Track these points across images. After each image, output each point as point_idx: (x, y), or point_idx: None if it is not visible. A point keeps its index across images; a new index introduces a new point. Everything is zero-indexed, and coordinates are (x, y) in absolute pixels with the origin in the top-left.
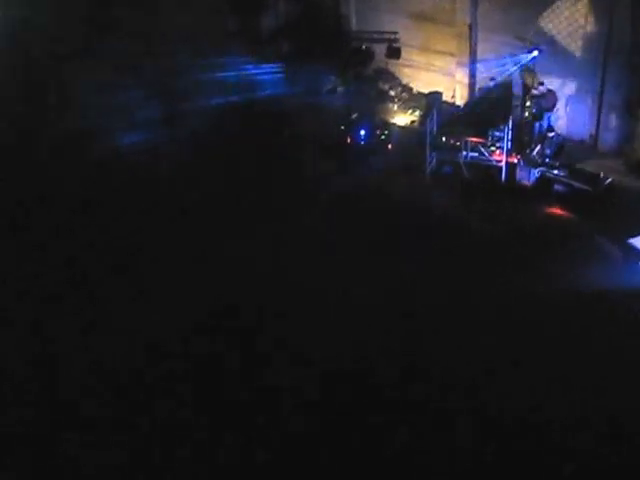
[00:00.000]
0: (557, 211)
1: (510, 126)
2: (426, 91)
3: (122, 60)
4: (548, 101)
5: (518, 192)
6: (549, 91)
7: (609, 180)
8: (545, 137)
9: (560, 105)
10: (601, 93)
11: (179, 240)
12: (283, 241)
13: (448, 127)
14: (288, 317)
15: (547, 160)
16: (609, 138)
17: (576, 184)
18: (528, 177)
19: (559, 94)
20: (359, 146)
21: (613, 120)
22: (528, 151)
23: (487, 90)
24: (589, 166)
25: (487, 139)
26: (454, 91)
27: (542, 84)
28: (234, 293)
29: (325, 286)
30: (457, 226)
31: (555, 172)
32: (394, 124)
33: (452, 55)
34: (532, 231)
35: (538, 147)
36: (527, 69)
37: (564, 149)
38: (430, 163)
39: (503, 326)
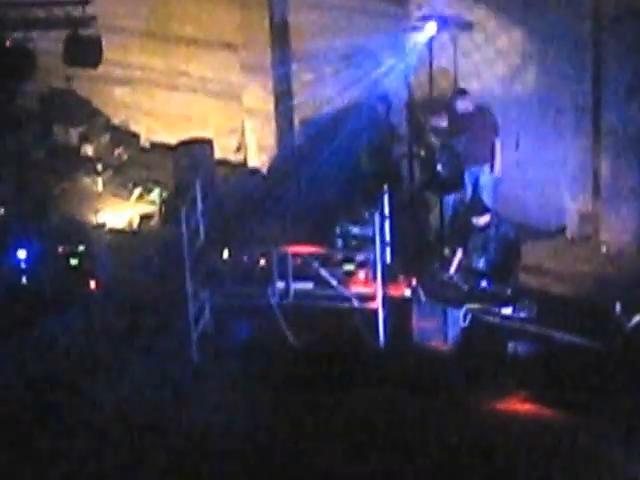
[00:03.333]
0: (522, 406)
1: (387, 210)
2: (174, 141)
3: None
4: (477, 138)
5: (424, 371)
6: (479, 112)
7: (636, 320)
8: (472, 228)
9: (508, 143)
10: (595, 113)
11: None
12: None
13: (240, 226)
14: None
15: (484, 284)
16: (624, 221)
17: (562, 336)
18: (443, 331)
19: (504, 119)
20: (17, 290)
21: (631, 176)
22: (436, 267)
23: (323, 127)
24: (584, 290)
25: (333, 245)
26: (241, 136)
27: (463, 93)
28: None
29: None
30: None
31: (507, 311)
32: (101, 228)
33: (232, 49)
34: (474, 467)
35: (459, 254)
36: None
37: (518, 253)
38: (198, 322)
39: None
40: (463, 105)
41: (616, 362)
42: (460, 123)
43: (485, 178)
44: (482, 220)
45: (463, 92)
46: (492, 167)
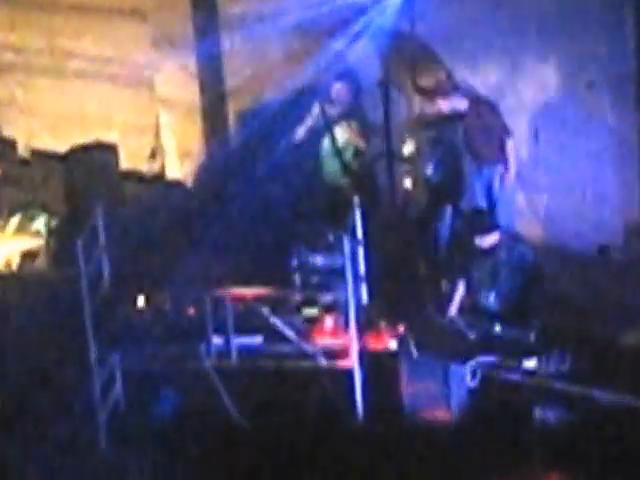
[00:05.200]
0: None
1: (361, 232)
2: (64, 148)
3: None
4: (483, 129)
5: (419, 452)
6: (476, 102)
7: None
8: (476, 251)
9: (519, 136)
10: None
11: None
12: None
13: (158, 262)
14: None
15: (498, 329)
16: None
17: (607, 396)
18: (444, 395)
19: (511, 100)
20: None
21: None
22: (430, 308)
23: (268, 121)
24: (635, 332)
25: (289, 284)
26: (156, 137)
27: (448, 78)
28: None
29: None
30: None
31: (531, 364)
32: None
33: (139, 17)
34: None
35: (460, 289)
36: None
37: (543, 284)
38: (106, 397)
39: None
40: (458, 99)
41: None
42: (456, 114)
43: (505, 187)
44: (489, 240)
45: (448, 76)
46: (506, 168)
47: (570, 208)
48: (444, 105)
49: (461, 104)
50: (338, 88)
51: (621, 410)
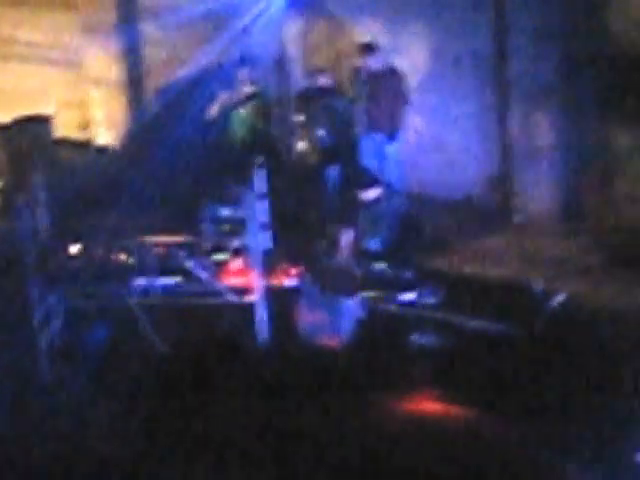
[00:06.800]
0: (431, 407)
1: (262, 187)
2: (7, 120)
3: None
4: (382, 103)
5: (313, 372)
6: (391, 72)
7: (559, 299)
8: (360, 203)
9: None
10: (500, 63)
11: None
12: None
13: (90, 215)
14: None
15: (380, 268)
16: (541, 186)
17: (474, 323)
18: (335, 324)
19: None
20: None
21: (547, 132)
22: (323, 251)
23: (181, 94)
24: (496, 269)
25: (201, 233)
26: (86, 110)
27: (371, 51)
28: None
29: None
30: None
31: (409, 297)
32: None
33: (71, 8)
34: None
35: (348, 235)
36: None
37: (419, 230)
38: (45, 331)
39: None
40: (372, 62)
41: (534, 348)
42: (363, 85)
43: (391, 148)
44: (370, 194)
45: (370, 47)
46: (396, 132)
47: (441, 163)
48: (373, 63)
49: (379, 66)
50: (242, 72)
51: (485, 333)
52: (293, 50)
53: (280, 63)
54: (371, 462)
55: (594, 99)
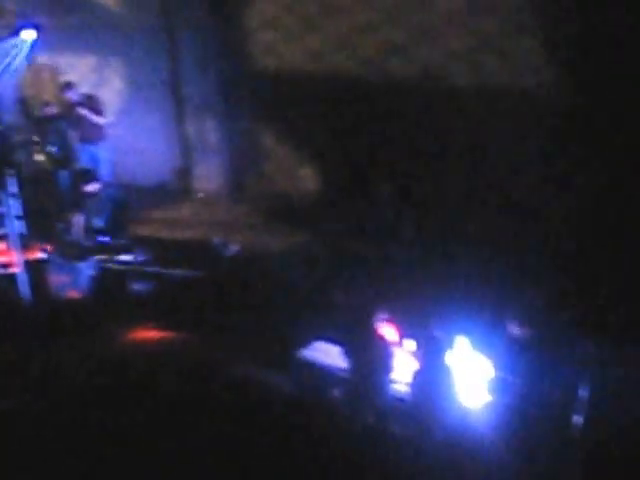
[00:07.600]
0: (149, 333)
1: (13, 190)
2: None
3: None
4: (87, 121)
5: (62, 317)
6: (88, 99)
7: (233, 250)
8: (85, 195)
9: (119, 124)
10: (176, 86)
11: None
12: None
13: None
14: None
15: (104, 239)
16: (212, 171)
17: (174, 272)
18: (76, 282)
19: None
20: None
21: (214, 134)
22: (61, 230)
23: None
24: (187, 232)
25: None
26: None
27: (70, 87)
28: None
29: None
30: None
31: (126, 258)
32: None
33: None
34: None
35: (79, 218)
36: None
37: (128, 209)
38: None
39: None
40: (71, 94)
41: (220, 286)
42: (70, 110)
43: (102, 153)
44: (91, 187)
45: (69, 84)
46: (102, 140)
47: (139, 160)
48: (73, 95)
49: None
50: None
51: (183, 278)
52: (28, 91)
53: (20, 101)
54: (113, 379)
55: (244, 109)
